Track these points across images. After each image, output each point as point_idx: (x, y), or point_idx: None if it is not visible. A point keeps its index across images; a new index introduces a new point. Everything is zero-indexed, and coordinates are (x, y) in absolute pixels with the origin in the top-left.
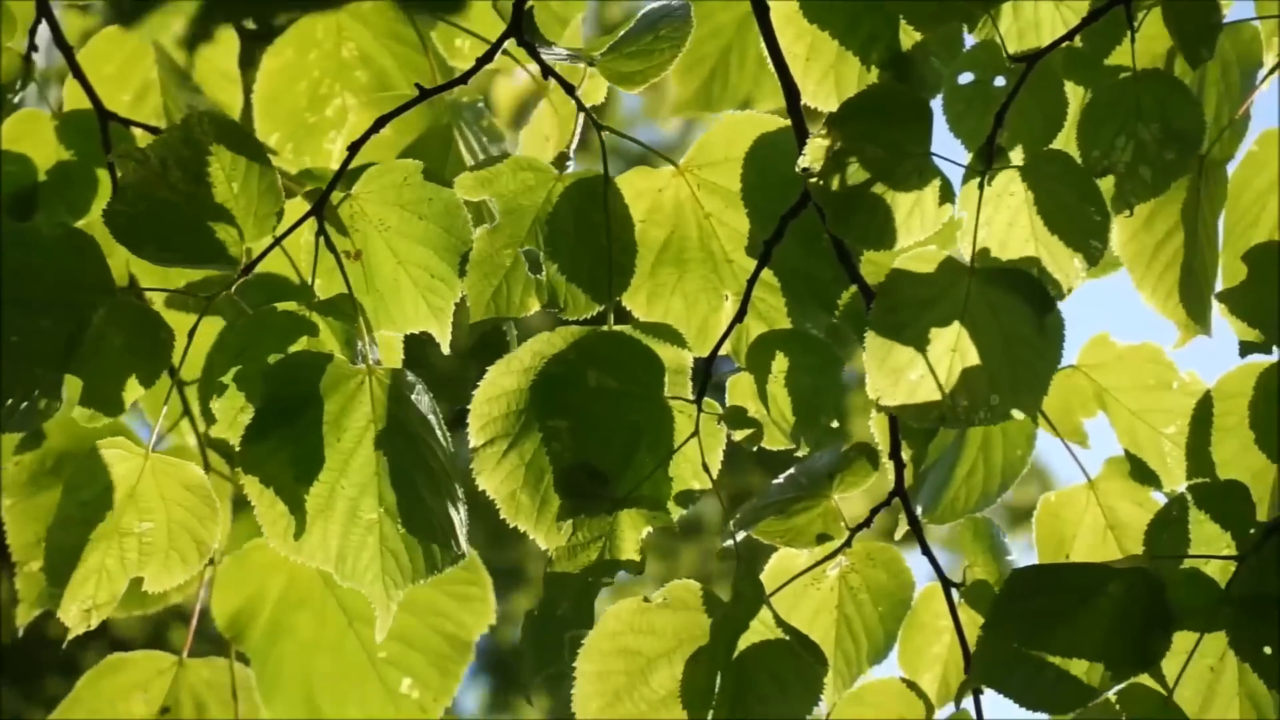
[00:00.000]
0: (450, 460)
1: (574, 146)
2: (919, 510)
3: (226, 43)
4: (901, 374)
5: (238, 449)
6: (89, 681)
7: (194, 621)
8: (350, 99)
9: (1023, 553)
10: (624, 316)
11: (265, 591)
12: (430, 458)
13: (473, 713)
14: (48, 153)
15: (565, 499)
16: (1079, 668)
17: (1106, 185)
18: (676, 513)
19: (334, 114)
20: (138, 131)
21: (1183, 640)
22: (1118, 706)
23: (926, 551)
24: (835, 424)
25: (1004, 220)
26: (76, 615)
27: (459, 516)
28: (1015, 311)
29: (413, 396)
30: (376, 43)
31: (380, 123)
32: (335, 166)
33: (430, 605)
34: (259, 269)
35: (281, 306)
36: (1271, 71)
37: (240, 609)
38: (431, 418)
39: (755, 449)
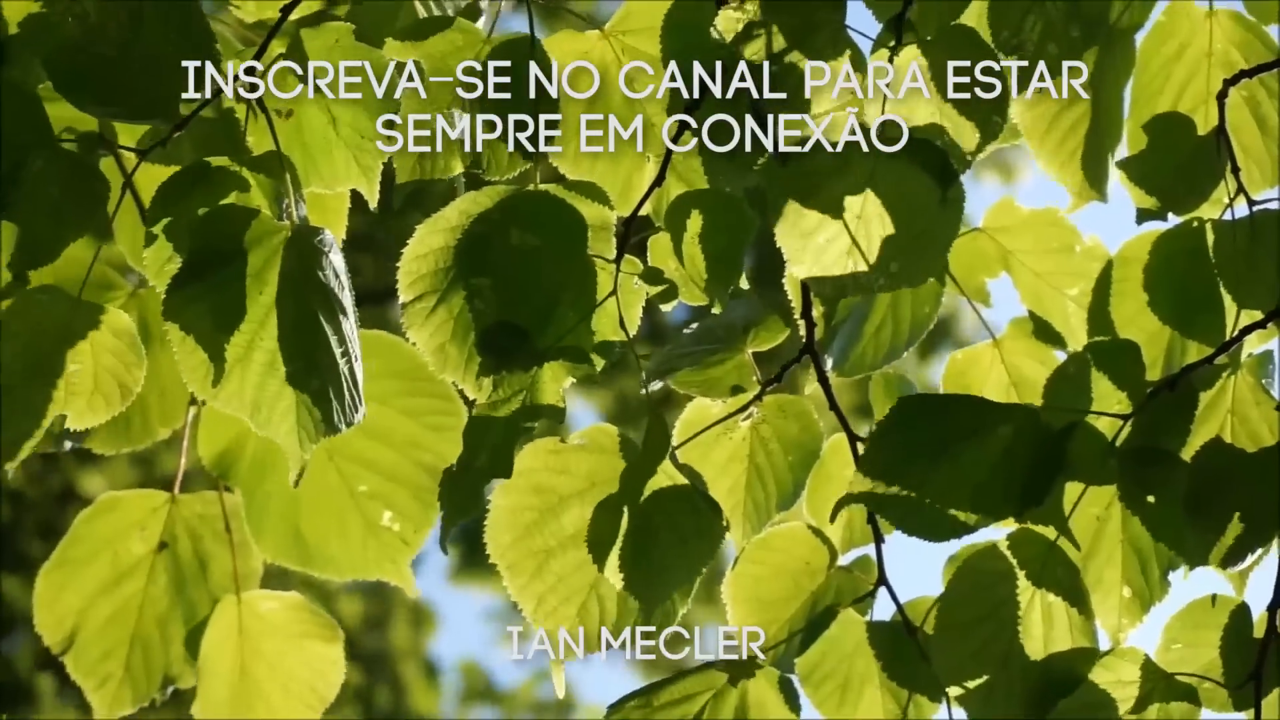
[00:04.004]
0: (356, 320)
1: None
2: (829, 364)
3: None
4: (810, 237)
5: (163, 296)
6: (85, 520)
7: (183, 460)
8: None
9: None
10: (549, 177)
11: (249, 429)
12: (340, 315)
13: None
14: (18, 5)
15: (485, 357)
16: (959, 500)
17: None
18: (599, 363)
19: None
20: None
21: (1072, 490)
22: (1007, 548)
23: (834, 407)
24: (745, 285)
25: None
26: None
27: (358, 376)
28: (919, 182)
29: (329, 255)
30: None
31: None
32: (294, 15)
33: (408, 438)
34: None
35: (215, 161)
36: None
37: (226, 448)
38: (344, 278)
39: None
